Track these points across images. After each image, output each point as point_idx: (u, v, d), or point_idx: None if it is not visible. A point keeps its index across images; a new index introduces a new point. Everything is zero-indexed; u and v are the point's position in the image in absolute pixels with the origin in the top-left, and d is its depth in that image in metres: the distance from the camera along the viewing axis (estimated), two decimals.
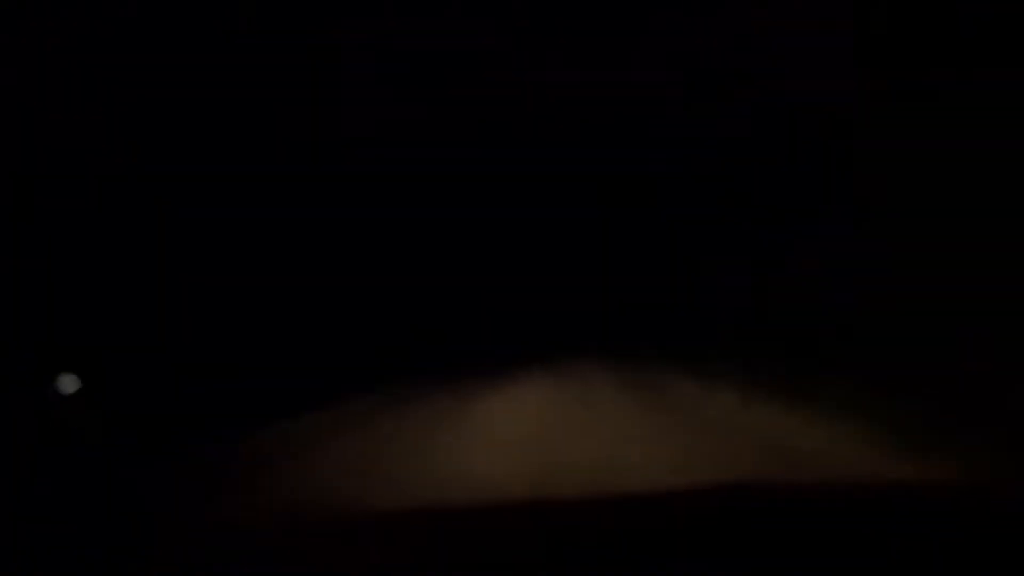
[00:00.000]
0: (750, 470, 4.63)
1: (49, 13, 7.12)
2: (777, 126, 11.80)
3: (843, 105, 10.22)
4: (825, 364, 8.36)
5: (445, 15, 9.76)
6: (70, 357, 7.38)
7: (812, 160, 11.61)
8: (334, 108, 11.93)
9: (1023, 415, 5.09)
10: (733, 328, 13.43)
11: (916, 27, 8.28)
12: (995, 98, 7.61)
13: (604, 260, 22.85)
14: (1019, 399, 5.41)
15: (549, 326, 21.16)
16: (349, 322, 13.63)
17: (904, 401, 6.24)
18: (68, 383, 6.82)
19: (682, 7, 9.98)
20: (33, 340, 7.12)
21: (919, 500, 1.58)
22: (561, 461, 4.95)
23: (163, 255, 9.18)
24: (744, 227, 14.22)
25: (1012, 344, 6.41)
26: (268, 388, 8.65)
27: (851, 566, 1.13)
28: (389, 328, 15.17)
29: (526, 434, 6.16)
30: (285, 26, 10.49)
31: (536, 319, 22.07)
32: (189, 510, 4.15)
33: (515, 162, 19.64)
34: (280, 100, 11.05)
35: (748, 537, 1.30)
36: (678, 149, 14.29)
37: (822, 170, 11.37)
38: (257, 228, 11.24)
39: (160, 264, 9.10)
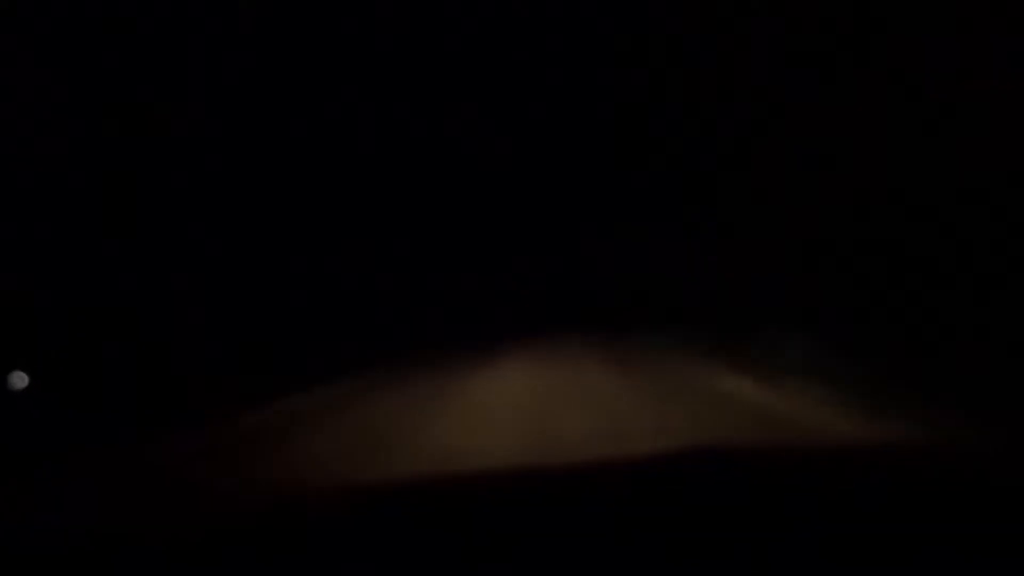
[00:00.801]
0: (729, 435, 4.76)
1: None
2: None
3: None
4: (788, 333, 8.50)
5: None
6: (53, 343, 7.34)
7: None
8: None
9: (979, 377, 5.24)
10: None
11: None
12: None
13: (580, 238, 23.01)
14: (975, 362, 5.56)
15: (532, 304, 21.26)
16: (338, 303, 13.60)
17: (865, 365, 6.42)
18: (17, 380, 6.69)
19: None
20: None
21: (883, 461, 1.64)
22: (550, 433, 5.06)
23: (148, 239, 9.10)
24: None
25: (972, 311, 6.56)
26: (260, 369, 8.67)
27: (824, 527, 1.16)
28: (378, 309, 15.15)
29: (516, 408, 6.25)
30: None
31: (519, 298, 22.17)
32: (185, 489, 4.20)
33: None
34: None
35: (725, 500, 1.35)
36: None
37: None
38: (241, 208, 11.15)
39: (146, 247, 9.01)
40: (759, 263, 11.25)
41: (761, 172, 12.13)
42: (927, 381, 5.61)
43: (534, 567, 1.11)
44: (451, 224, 21.10)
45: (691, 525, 1.19)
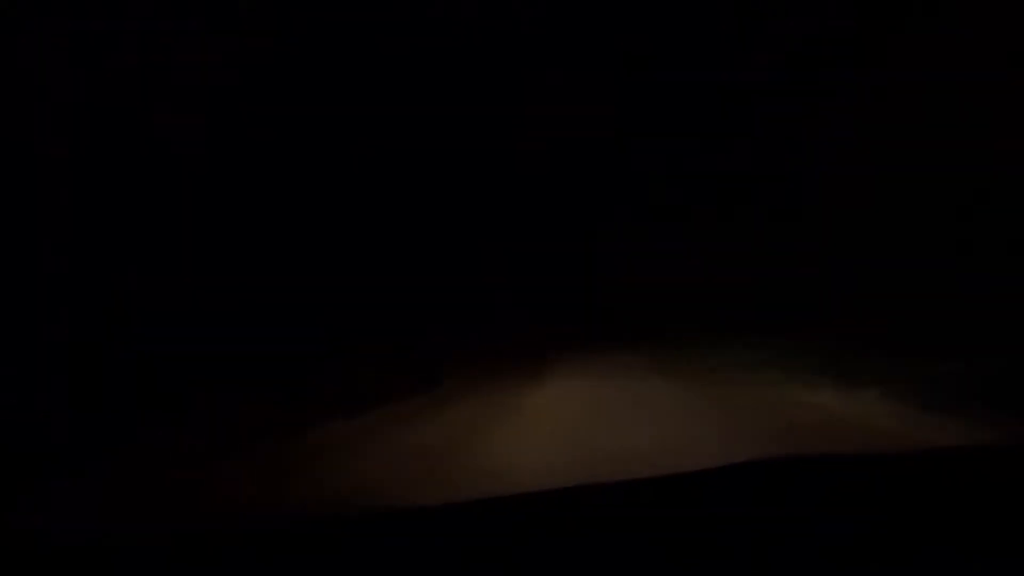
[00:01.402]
0: (794, 444, 4.58)
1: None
2: None
3: None
4: (851, 340, 8.24)
5: None
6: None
7: None
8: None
9: None
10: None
11: None
12: None
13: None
14: None
15: (579, 319, 21.17)
16: (394, 318, 13.74)
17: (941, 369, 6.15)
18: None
19: None
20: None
21: (965, 468, 1.57)
22: (607, 448, 4.97)
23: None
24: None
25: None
26: (317, 385, 8.79)
27: (895, 531, 1.13)
28: (427, 324, 15.28)
29: (571, 424, 6.18)
30: None
31: (565, 313, 22.13)
32: (240, 503, 4.26)
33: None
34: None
35: (796, 510, 1.30)
36: None
37: None
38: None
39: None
40: (821, 264, 10.98)
41: (809, 174, 11.90)
42: (1008, 385, 5.32)
43: None
44: (492, 240, 21.21)
45: (758, 538, 1.16)
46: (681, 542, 1.18)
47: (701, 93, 15.23)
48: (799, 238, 12.05)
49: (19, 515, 4.02)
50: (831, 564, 1.04)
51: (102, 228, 8.31)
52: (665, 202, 18.89)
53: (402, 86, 14.85)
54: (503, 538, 1.33)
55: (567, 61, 17.09)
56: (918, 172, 8.86)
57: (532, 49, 16.53)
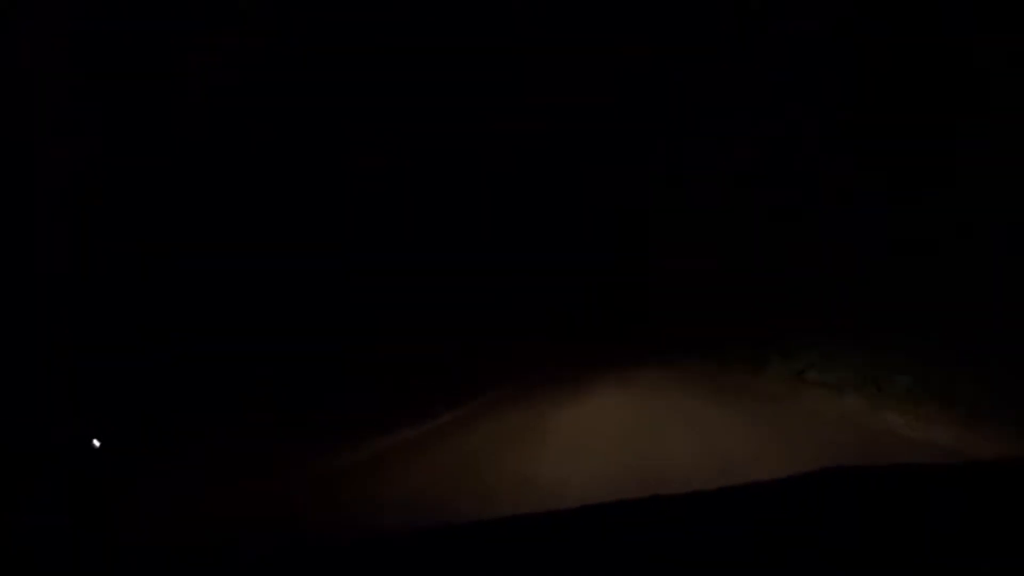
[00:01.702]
0: (844, 458, 4.49)
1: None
2: None
3: None
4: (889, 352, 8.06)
5: None
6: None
7: None
8: None
9: None
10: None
11: None
12: None
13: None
14: None
15: (616, 335, 20.92)
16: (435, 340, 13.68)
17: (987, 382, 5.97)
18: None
19: None
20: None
21: (1003, 475, 1.56)
22: (652, 464, 4.95)
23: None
24: None
25: None
26: (362, 402, 8.85)
27: (951, 540, 1.14)
28: (467, 345, 15.23)
29: (615, 439, 6.17)
30: None
31: (603, 329, 21.94)
32: (288, 519, 4.34)
33: None
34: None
35: (853, 522, 1.31)
36: None
37: None
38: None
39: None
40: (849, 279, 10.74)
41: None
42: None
43: None
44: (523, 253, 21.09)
45: (801, 553, 1.16)
46: (721, 559, 1.18)
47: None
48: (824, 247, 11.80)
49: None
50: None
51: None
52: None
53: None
54: (542, 552, 1.34)
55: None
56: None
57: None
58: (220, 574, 1.33)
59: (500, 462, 5.62)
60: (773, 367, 10.35)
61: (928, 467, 1.93)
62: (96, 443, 4.78)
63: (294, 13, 11.69)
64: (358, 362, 10.52)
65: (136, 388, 7.22)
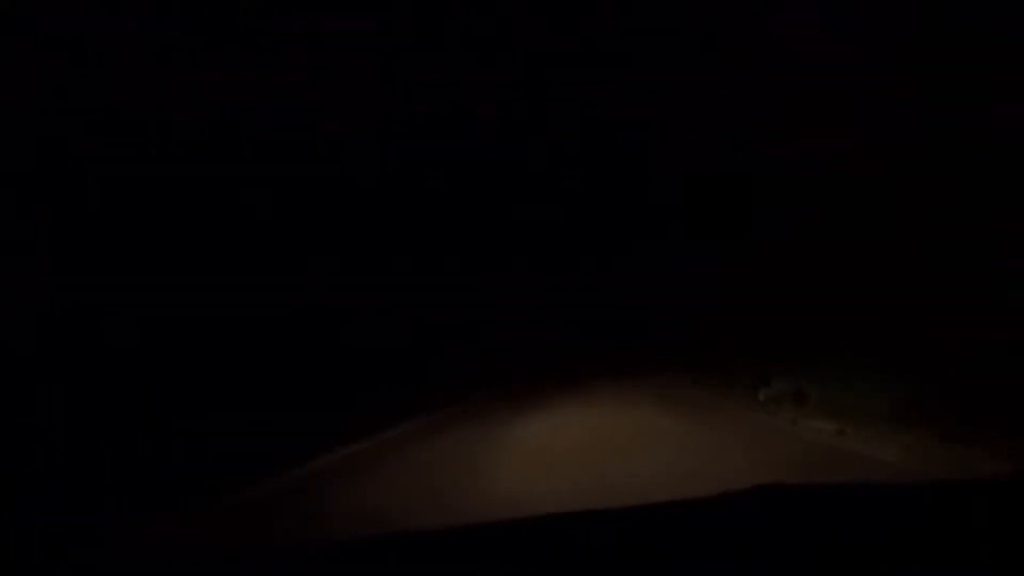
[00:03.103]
0: (791, 474, 4.57)
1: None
2: None
3: None
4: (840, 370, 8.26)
5: None
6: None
7: None
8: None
9: None
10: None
11: None
12: None
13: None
14: None
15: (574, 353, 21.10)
16: (387, 347, 13.65)
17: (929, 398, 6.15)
18: None
19: None
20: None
21: (954, 497, 1.59)
22: (610, 477, 4.95)
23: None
24: None
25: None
26: (317, 416, 8.73)
27: (889, 558, 1.14)
28: (429, 355, 15.20)
29: (574, 453, 6.16)
30: None
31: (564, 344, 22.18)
32: (246, 532, 4.25)
33: None
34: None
35: (791, 538, 1.32)
36: None
37: None
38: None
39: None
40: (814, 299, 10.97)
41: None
42: (999, 415, 5.31)
43: None
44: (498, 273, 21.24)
45: (757, 564, 1.17)
46: (673, 569, 1.19)
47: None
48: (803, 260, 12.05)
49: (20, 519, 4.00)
50: None
51: (105, 233, 8.27)
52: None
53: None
54: (501, 562, 1.33)
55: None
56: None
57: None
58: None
59: (457, 480, 5.57)
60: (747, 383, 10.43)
61: (863, 485, 1.97)
62: None
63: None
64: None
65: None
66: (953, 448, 5.02)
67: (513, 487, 4.92)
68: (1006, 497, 1.52)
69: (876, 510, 1.51)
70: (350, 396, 10.17)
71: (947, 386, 6.42)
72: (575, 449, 6.36)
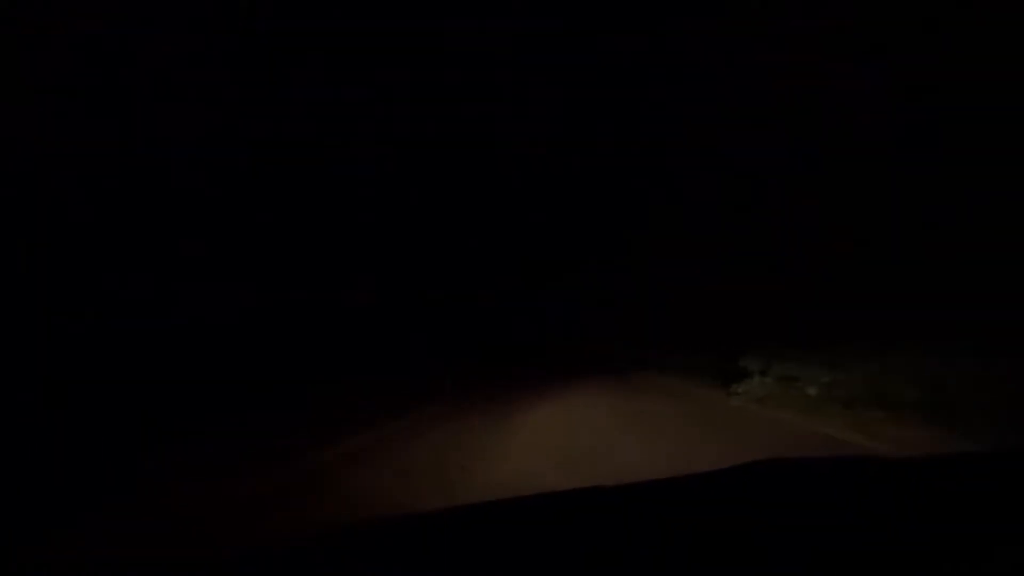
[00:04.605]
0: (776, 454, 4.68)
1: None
2: None
3: None
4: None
5: None
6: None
7: None
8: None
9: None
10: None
11: None
12: None
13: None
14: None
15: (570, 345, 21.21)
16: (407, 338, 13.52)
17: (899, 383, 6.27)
18: None
19: None
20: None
21: (931, 474, 1.64)
22: (604, 463, 5.07)
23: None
24: None
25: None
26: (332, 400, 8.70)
27: (868, 534, 1.17)
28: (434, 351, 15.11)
29: (561, 437, 6.31)
30: None
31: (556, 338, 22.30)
32: (255, 515, 4.30)
33: None
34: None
35: (781, 511, 1.37)
36: None
37: None
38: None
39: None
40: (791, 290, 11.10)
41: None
42: (975, 400, 5.47)
43: None
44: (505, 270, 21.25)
45: (749, 536, 1.20)
46: (667, 543, 1.22)
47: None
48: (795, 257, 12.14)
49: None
50: (814, 560, 1.09)
51: (105, 234, 8.27)
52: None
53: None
54: (503, 539, 1.36)
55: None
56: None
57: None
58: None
59: (463, 460, 5.68)
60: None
61: (859, 459, 1.97)
62: None
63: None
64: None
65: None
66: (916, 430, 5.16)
67: (510, 480, 5.05)
68: (1000, 468, 1.57)
69: (875, 483, 1.55)
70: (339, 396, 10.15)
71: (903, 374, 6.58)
72: (567, 435, 6.49)
